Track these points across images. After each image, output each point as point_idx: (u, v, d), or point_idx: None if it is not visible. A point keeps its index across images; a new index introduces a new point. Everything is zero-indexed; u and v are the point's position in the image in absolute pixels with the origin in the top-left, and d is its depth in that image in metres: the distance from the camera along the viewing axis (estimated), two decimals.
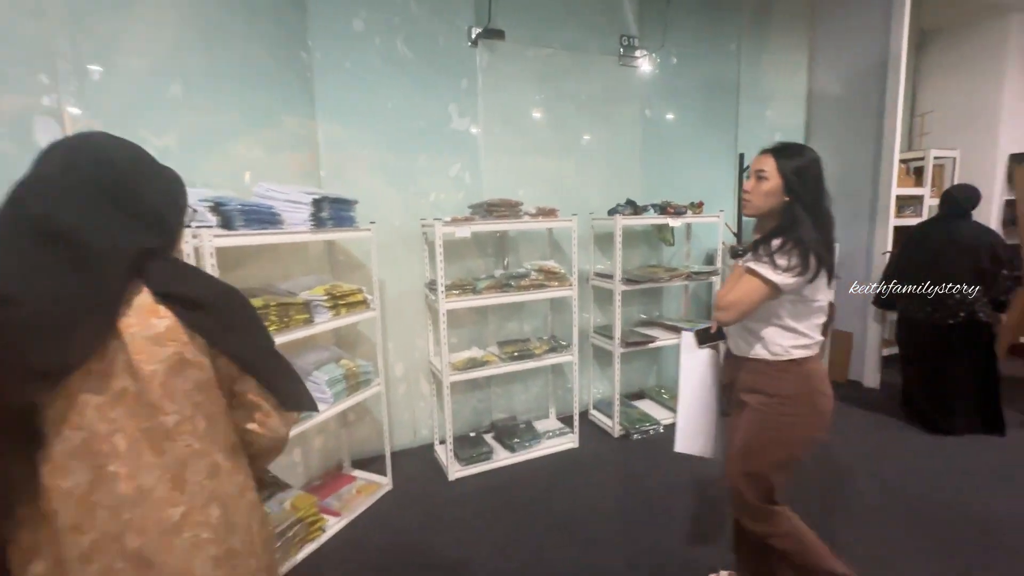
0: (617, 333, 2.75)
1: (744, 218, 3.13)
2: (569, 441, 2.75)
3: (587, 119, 3.00)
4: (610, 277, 2.77)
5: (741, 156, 2.94)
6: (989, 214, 3.98)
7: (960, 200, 2.83)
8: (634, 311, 3.31)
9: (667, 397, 3.25)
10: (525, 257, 2.87)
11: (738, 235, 3.02)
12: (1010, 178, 3.94)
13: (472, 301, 2.38)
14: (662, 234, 3.18)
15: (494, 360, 2.51)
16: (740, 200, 2.98)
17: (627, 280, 2.73)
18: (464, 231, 2.29)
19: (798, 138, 3.81)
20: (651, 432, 2.86)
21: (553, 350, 2.62)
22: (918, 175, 3.86)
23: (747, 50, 3.50)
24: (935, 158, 3.82)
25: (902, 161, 3.68)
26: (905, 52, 3.19)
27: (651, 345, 2.85)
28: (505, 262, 2.82)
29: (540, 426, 2.85)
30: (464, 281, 2.45)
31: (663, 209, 2.82)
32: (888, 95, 3.26)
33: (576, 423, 2.75)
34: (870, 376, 3.51)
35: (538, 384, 3.04)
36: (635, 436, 2.81)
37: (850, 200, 3.55)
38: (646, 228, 3.24)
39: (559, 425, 2.87)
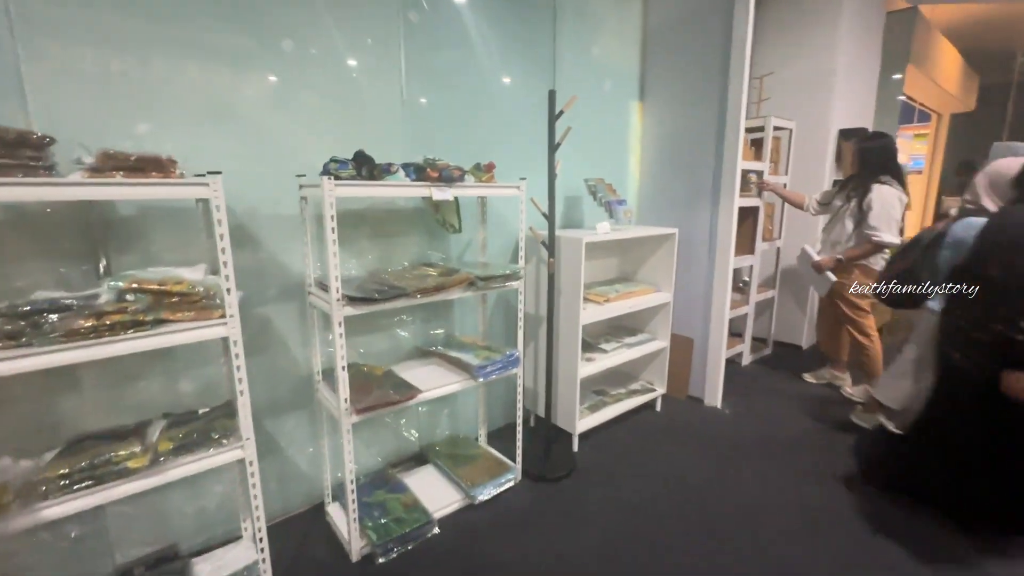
0: (342, 391, 1.54)
1: (557, 193, 2.14)
2: None
3: (298, 11, 1.68)
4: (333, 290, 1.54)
5: (551, 95, 1.92)
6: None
7: None
8: (411, 333, 2.15)
9: (462, 457, 2.18)
10: (160, 257, 1.50)
11: (550, 217, 2.01)
12: (838, 156, 3.62)
13: None
14: (441, 214, 2.04)
15: (54, 478, 1.13)
16: (551, 165, 1.96)
17: (352, 298, 1.51)
18: None
19: (633, 88, 2.96)
20: (414, 544, 1.74)
21: (189, 448, 1.31)
22: (757, 147, 3.32)
23: None
24: (775, 128, 3.29)
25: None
26: None
27: (412, 402, 1.70)
28: (101, 267, 1.41)
29: (208, 565, 1.55)
30: None
31: (421, 172, 1.66)
32: (734, 47, 2.49)
33: (264, 554, 1.51)
34: (713, 393, 2.86)
35: (223, 483, 1.72)
36: (382, 558, 1.66)
37: (691, 174, 2.79)
38: (418, 205, 2.07)
39: (247, 558, 1.59)
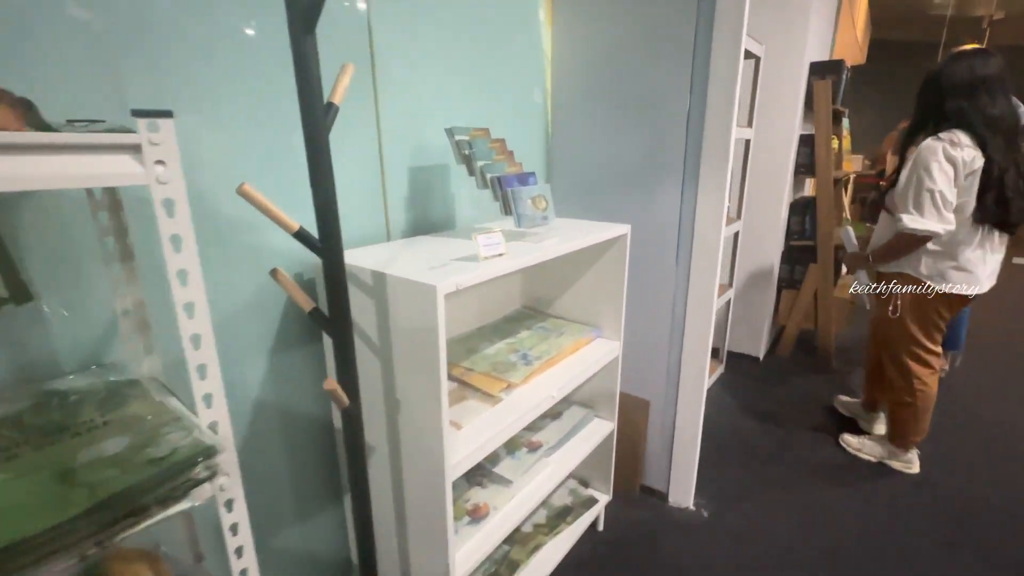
0: None
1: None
2: None
3: None
4: None
5: None
6: (787, 158, 2.65)
7: None
8: None
9: None
10: None
11: (322, 245, 0.65)
12: (808, 98, 2.63)
13: None
14: None
15: None
16: (304, 55, 0.59)
17: None
18: None
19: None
20: None
21: None
22: None
23: None
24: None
25: None
26: None
27: None
28: None
29: None
30: None
31: None
32: None
33: None
34: (683, 485, 1.76)
35: None
36: None
37: (643, 124, 1.55)
38: None
39: None
